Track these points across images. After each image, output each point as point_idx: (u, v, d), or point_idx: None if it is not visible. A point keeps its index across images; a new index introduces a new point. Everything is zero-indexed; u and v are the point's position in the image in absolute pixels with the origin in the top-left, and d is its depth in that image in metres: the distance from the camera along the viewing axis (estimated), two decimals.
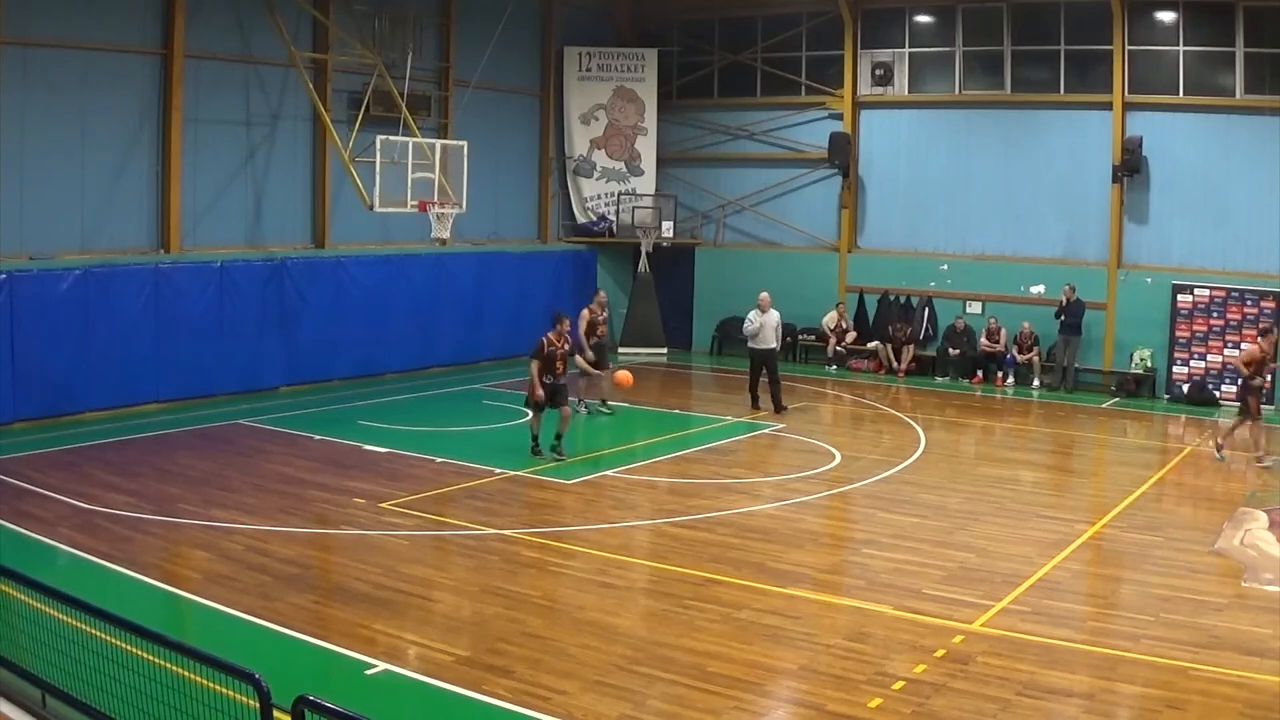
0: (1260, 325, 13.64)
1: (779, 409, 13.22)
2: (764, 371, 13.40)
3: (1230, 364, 13.95)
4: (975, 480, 10.78)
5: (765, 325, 13.23)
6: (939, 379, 16.90)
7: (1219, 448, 11.70)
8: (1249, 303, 15.20)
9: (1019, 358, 16.33)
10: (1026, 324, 16.27)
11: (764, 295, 13.54)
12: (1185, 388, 15.49)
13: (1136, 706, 5.63)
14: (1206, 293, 15.50)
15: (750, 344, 13.47)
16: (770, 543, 8.24)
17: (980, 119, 17.26)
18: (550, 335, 10.71)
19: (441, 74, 16.63)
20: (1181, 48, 15.70)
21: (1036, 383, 16.24)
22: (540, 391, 10.57)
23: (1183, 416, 14.70)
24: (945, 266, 17.49)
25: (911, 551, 8.10)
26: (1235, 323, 15.30)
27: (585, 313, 13.07)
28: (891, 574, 7.57)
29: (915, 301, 17.65)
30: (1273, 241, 14.94)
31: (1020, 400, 15.71)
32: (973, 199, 17.29)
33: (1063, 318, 15.85)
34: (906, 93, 17.78)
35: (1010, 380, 16.36)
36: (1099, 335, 16.26)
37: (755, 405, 13.45)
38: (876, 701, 5.50)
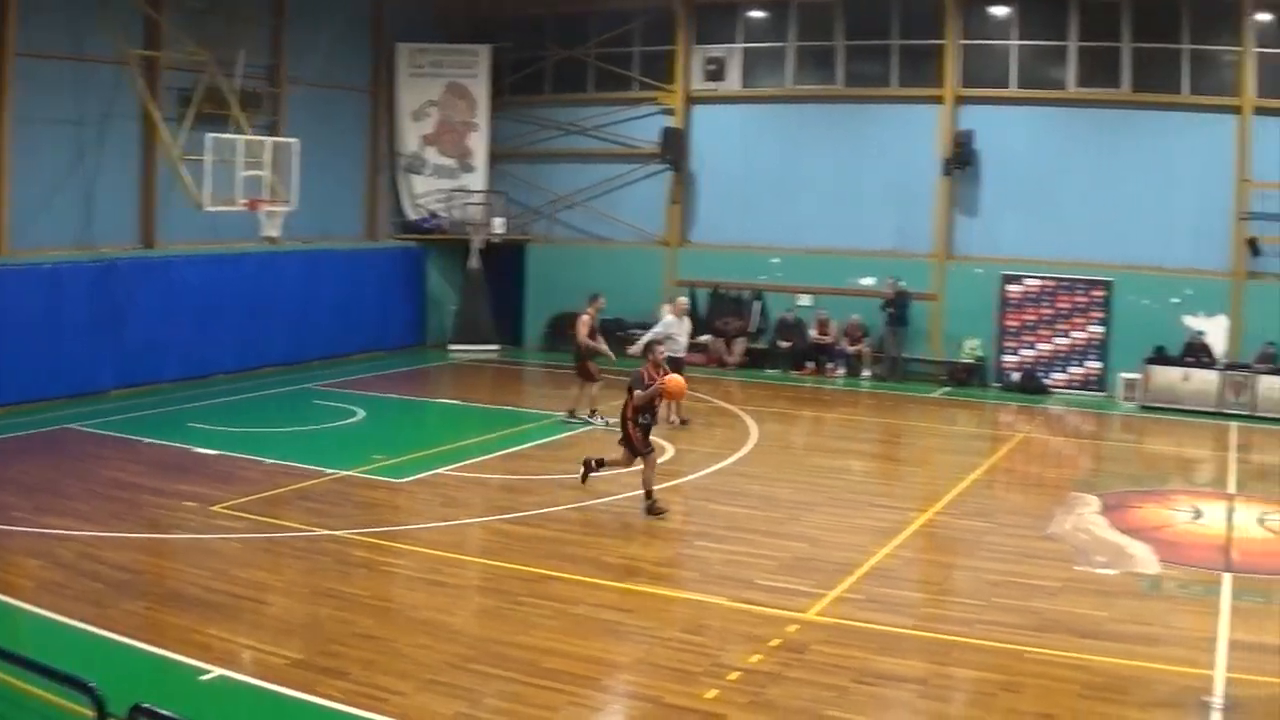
0: None
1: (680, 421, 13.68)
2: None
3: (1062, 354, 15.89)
4: (807, 471, 11.95)
5: (680, 331, 14.19)
6: (770, 371, 18.33)
7: None
8: (1078, 291, 17.48)
9: (849, 349, 18.13)
10: (856, 316, 18.11)
11: (682, 300, 14.95)
12: (1015, 376, 17.62)
13: (972, 690, 6.31)
14: (1036, 282, 17.66)
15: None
16: (604, 537, 8.95)
17: (812, 113, 19.07)
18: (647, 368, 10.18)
19: (273, 71, 17.64)
20: (1014, 42, 17.84)
21: (867, 373, 18.06)
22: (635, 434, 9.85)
23: (1013, 404, 16.73)
24: (776, 260, 19.19)
25: (745, 543, 8.87)
26: (1065, 311, 17.54)
27: (585, 317, 13.69)
28: (726, 565, 8.29)
29: (746, 295, 19.21)
30: (1102, 231, 17.28)
31: (850, 391, 17.42)
32: (804, 193, 18.99)
33: (890, 310, 17.76)
34: (739, 88, 19.54)
35: (841, 371, 18.14)
36: (929, 326, 18.16)
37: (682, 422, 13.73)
38: (713, 693, 6.01)
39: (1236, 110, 16.70)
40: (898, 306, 17.82)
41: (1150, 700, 6.26)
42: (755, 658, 6.49)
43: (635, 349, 12.97)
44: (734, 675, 6.25)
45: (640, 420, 9.79)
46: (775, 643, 6.74)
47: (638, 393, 9.81)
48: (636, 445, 9.71)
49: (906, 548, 9.03)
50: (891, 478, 12.40)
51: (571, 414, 13.68)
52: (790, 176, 19.07)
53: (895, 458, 13.61)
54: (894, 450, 13.98)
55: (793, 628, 7.03)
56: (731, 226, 19.40)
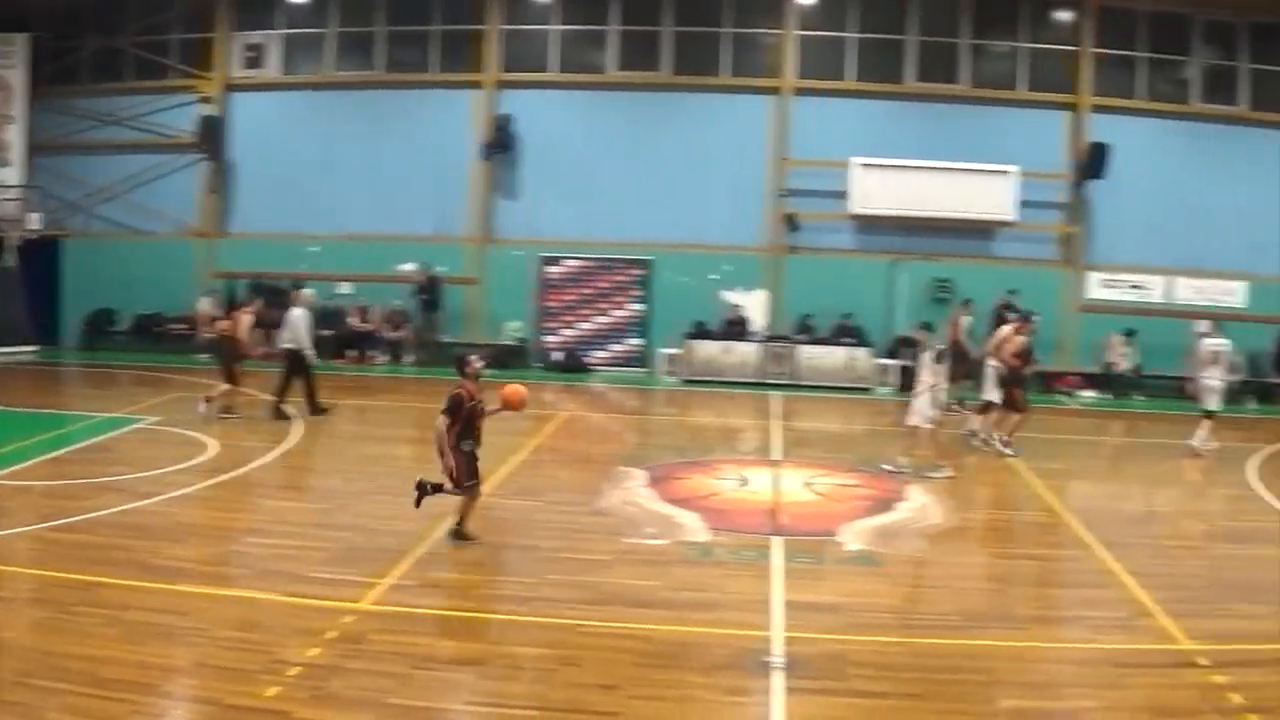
0: (1010, 316, 15.18)
1: (316, 410, 14.09)
2: (302, 374, 14.23)
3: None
4: (354, 459, 12.33)
5: (305, 324, 14.16)
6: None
7: (992, 440, 13.47)
8: (617, 270, 18.63)
9: (390, 336, 18.42)
10: (397, 302, 18.64)
11: (307, 292, 14.76)
12: (557, 356, 18.39)
13: (533, 667, 6.59)
14: (575, 263, 18.58)
15: (288, 345, 14.08)
16: (152, 539, 9.00)
17: (352, 100, 19.73)
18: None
19: None
20: (555, 26, 18.96)
21: (409, 359, 18.46)
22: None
23: (557, 384, 17.54)
24: (317, 248, 19.44)
25: (295, 536, 9.10)
26: (605, 291, 18.57)
27: (248, 317, 14.23)
28: (277, 560, 8.46)
29: (288, 285, 18.53)
30: (641, 211, 18.61)
31: (394, 378, 17.75)
32: (345, 180, 19.50)
33: (423, 296, 18.38)
34: (279, 75, 19.96)
35: (383, 359, 18.49)
36: (470, 309, 18.77)
37: (317, 410, 14.08)
38: (274, 690, 6.12)
39: (775, 91, 18.82)
40: (430, 292, 18.36)
41: (711, 664, 6.75)
42: (314, 651, 6.67)
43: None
44: (294, 671, 6.39)
45: (464, 446, 9.10)
46: (332, 635, 6.93)
47: (441, 420, 8.99)
48: (458, 476, 9.11)
49: None
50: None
51: (226, 409, 13.91)
52: (331, 164, 19.64)
53: None
54: None
55: (349, 618, 7.22)
56: (272, 216, 19.93)
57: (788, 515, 10.42)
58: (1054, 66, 19.50)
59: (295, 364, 13.98)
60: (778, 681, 6.69)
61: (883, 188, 18.44)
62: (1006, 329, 13.81)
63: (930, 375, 12.21)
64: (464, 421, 9.17)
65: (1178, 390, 18.50)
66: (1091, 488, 12.78)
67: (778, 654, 6.98)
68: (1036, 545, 10.58)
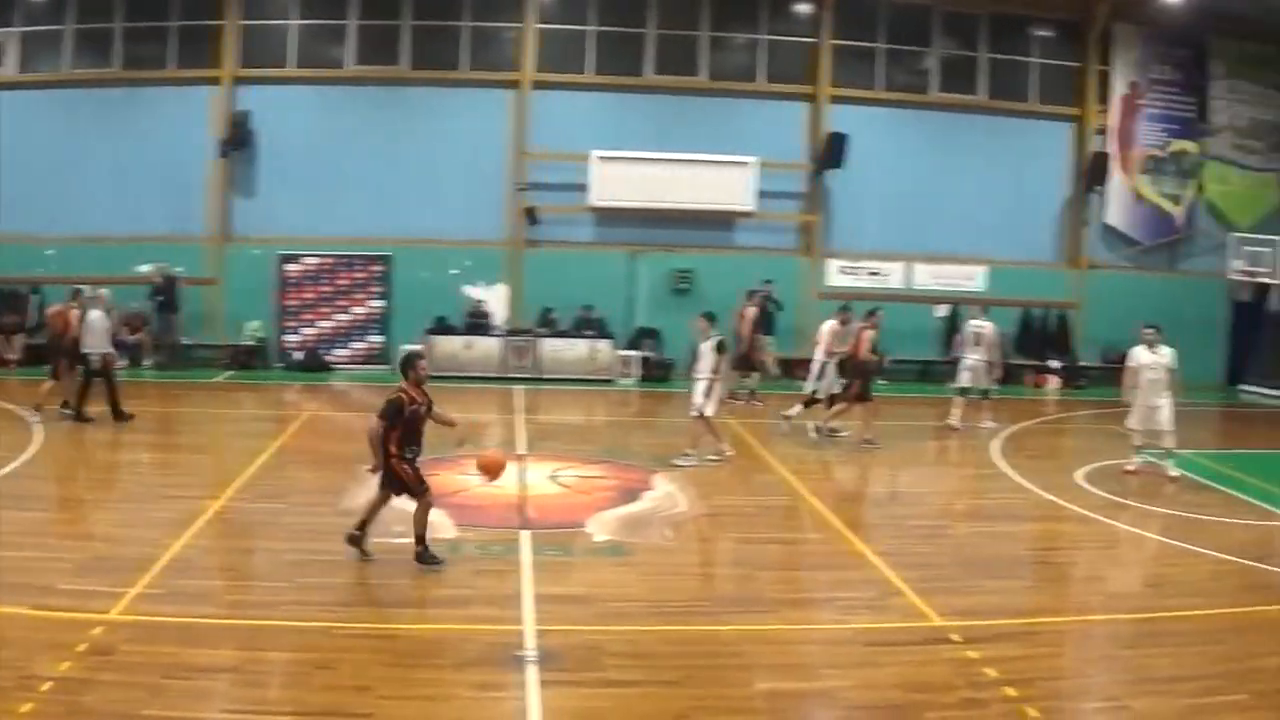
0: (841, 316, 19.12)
1: (120, 417, 17.27)
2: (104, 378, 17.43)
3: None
4: (97, 467, 15.17)
5: (103, 327, 17.32)
6: (49, 367, 21.19)
7: (819, 429, 17.89)
8: (357, 267, 23.38)
9: (129, 339, 22.07)
10: (135, 304, 22.34)
11: (103, 291, 17.77)
12: (298, 355, 22.90)
13: (288, 672, 8.19)
14: (315, 260, 23.22)
15: (86, 349, 17.28)
16: None
17: (90, 98, 23.40)
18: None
19: None
20: (293, 21, 23.36)
21: (148, 362, 22.47)
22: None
23: (298, 383, 21.83)
24: (52, 251, 23.07)
25: (39, 547, 10.78)
26: (345, 288, 23.26)
27: (77, 314, 17.61)
28: (21, 573, 9.92)
29: (23, 289, 22.90)
30: (382, 207, 23.24)
31: (134, 382, 20.60)
32: (83, 180, 23.23)
33: (160, 297, 22.37)
34: (15, 74, 23.27)
35: (123, 362, 21.39)
36: (209, 309, 23.08)
37: (121, 417, 17.34)
38: (28, 706, 7.28)
39: (515, 85, 23.87)
40: (168, 293, 22.50)
41: (464, 660, 8.55)
42: (64, 665, 7.94)
43: None
44: (46, 686, 7.59)
45: (407, 454, 10.77)
46: (82, 648, 8.26)
47: (376, 421, 10.62)
48: (410, 484, 10.79)
49: (203, 536, 11.47)
50: (182, 467, 15.46)
51: (64, 404, 17.35)
52: (68, 164, 23.28)
53: (184, 446, 17.24)
54: (182, 439, 17.79)
55: (98, 630, 8.61)
56: (5, 218, 23.00)
57: (535, 509, 13.06)
58: (793, 58, 25.24)
59: (93, 369, 17.30)
60: (532, 675, 8.34)
61: (622, 180, 23.77)
62: (858, 324, 18.48)
63: (711, 365, 15.85)
64: (405, 426, 10.71)
65: (919, 373, 24.66)
66: (837, 471, 16.94)
67: (531, 647, 8.82)
68: (784, 530, 13.60)
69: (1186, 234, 27.68)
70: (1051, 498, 15.31)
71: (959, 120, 25.96)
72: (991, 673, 9.11)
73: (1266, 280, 26.96)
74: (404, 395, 10.75)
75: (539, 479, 14.73)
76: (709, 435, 16.24)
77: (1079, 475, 16.66)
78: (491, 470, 11.46)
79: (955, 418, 19.60)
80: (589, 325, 23.81)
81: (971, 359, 19.93)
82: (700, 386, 15.96)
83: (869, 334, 18.20)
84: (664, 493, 14.40)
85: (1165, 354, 16.90)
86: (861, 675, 9.02)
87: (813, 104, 25.21)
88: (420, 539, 10.85)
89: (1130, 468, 16.88)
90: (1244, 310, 28.12)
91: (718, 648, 9.39)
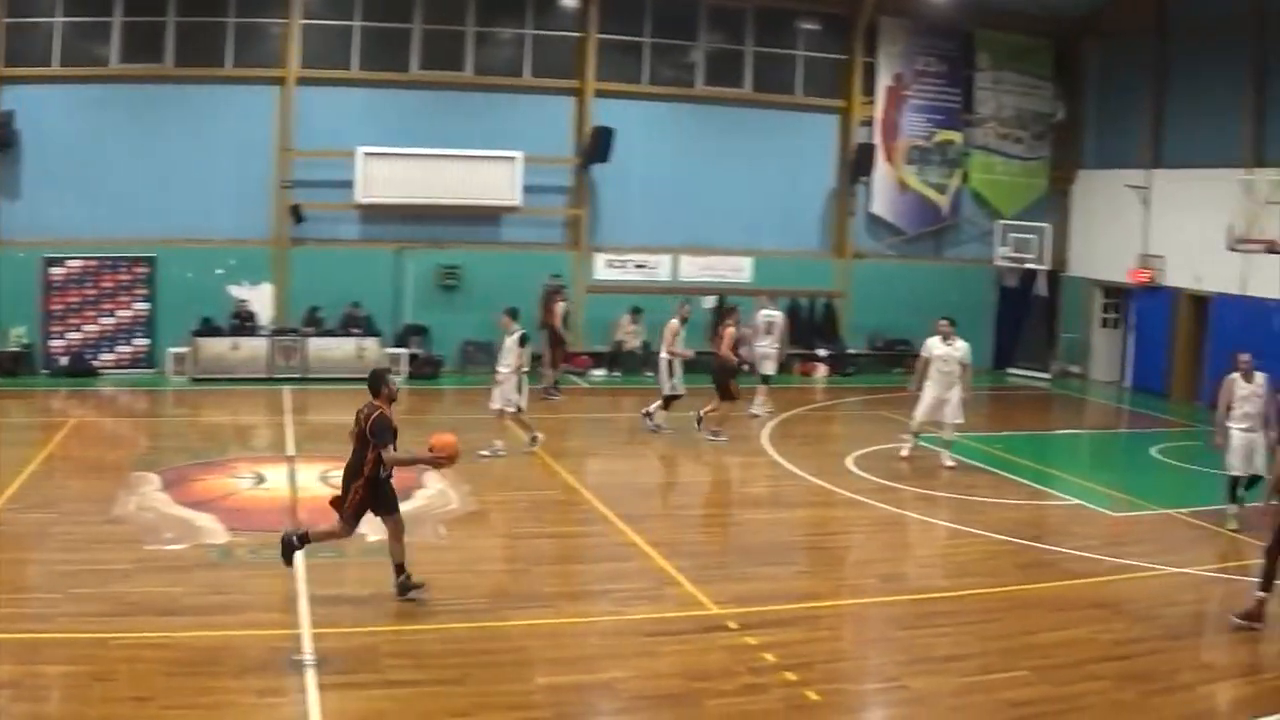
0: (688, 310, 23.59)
1: None
2: None
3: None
4: None
5: None
6: None
7: (699, 421, 21.75)
8: (122, 269, 27.05)
9: None
10: None
11: None
12: (63, 360, 26.46)
13: (65, 686, 9.13)
14: (79, 263, 26.76)
15: None
16: None
17: None
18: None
19: None
20: (57, 19, 26.47)
21: None
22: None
23: (64, 390, 25.21)
24: None
25: None
26: (110, 290, 26.93)
27: None
28: None
29: None
30: (146, 207, 26.73)
31: None
32: None
33: None
34: None
35: None
36: None
37: None
38: None
39: (280, 81, 27.85)
40: None
41: (243, 667, 9.64)
42: None
43: None
44: None
45: (383, 473, 12.12)
46: None
47: (391, 450, 12.00)
48: (356, 512, 12.15)
49: None
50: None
51: None
52: None
53: None
54: None
55: None
56: None
57: (307, 510, 14.71)
58: (559, 53, 29.87)
59: None
60: (311, 679, 9.46)
61: (389, 177, 28.10)
62: (728, 324, 22.74)
63: (515, 359, 19.40)
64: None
65: (688, 365, 29.59)
66: (609, 464, 20.15)
67: (309, 651, 10.05)
68: (558, 524, 16.09)
69: (952, 222, 33.58)
70: (823, 483, 18.61)
71: (726, 113, 31.16)
72: (770, 658, 10.99)
73: (1031, 266, 33.00)
74: (385, 412, 12.06)
75: (310, 480, 17.25)
76: (518, 428, 20.13)
77: (849, 461, 20.27)
78: (447, 451, 12.46)
79: (758, 405, 24.60)
80: (356, 323, 28.06)
81: (761, 347, 25.01)
82: (510, 382, 19.66)
83: (730, 331, 22.52)
84: (436, 490, 16.91)
85: (960, 347, 20.18)
86: (641, 665, 10.82)
87: (579, 98, 29.90)
88: (401, 569, 12.35)
89: (904, 453, 20.54)
90: (1010, 295, 34.20)
91: (496, 644, 11.10)
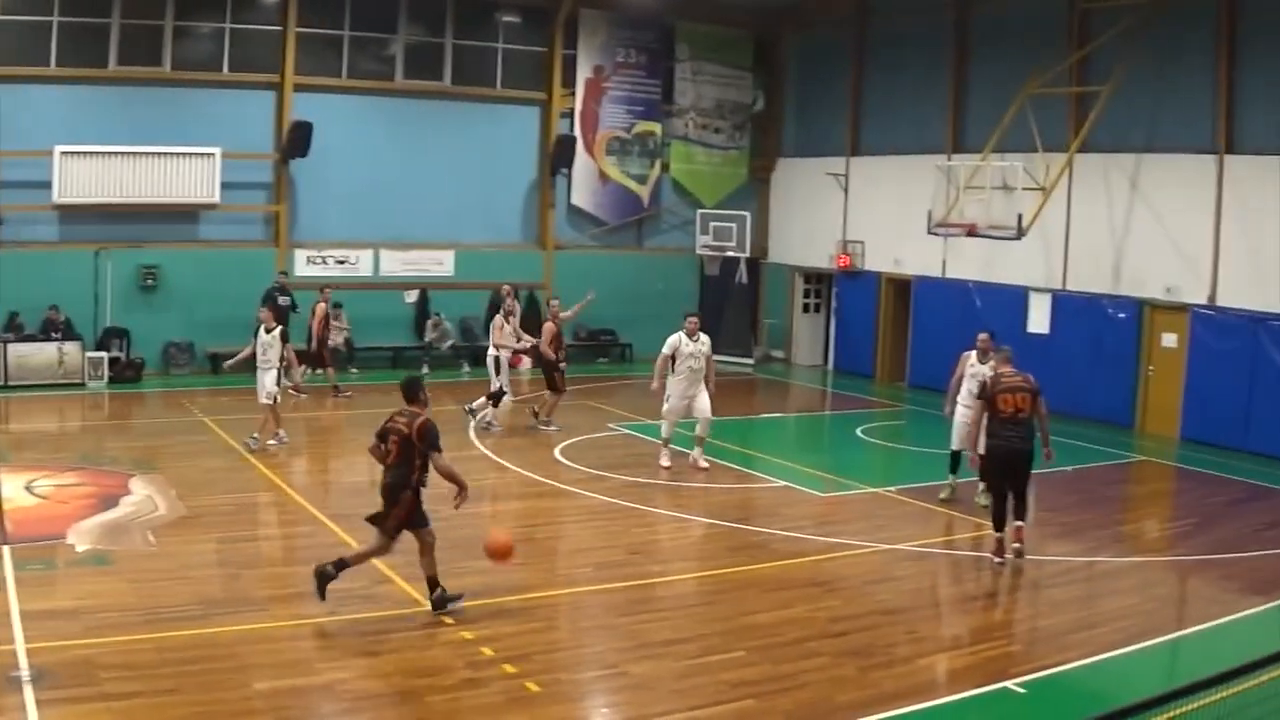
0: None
1: None
2: None
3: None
4: None
5: None
6: None
7: (536, 416, 26.74)
8: None
9: None
10: None
11: None
12: None
13: None
14: None
15: None
16: None
17: None
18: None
19: None
20: None
21: None
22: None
23: None
24: None
25: None
26: None
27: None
28: None
29: None
30: None
31: None
32: None
33: None
34: None
35: None
36: None
37: None
38: None
39: None
40: None
41: None
42: None
43: None
44: None
45: (423, 483, 14.43)
46: None
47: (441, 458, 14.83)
48: (400, 522, 14.67)
49: None
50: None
51: None
52: None
53: None
54: None
55: None
56: None
57: (12, 522, 16.18)
58: (260, 47, 36.45)
59: None
60: (29, 695, 10.70)
61: (88, 176, 34.00)
62: (548, 323, 28.09)
63: (277, 354, 24.39)
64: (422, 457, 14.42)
65: (391, 360, 36.45)
66: (317, 464, 23.54)
67: (24, 667, 11.38)
68: (268, 526, 18.37)
69: (653, 212, 42.21)
70: (533, 475, 21.99)
71: (426, 106, 38.59)
72: (489, 651, 12.68)
73: (733, 254, 41.54)
74: (429, 418, 14.57)
75: (15, 490, 18.98)
76: (272, 421, 24.82)
77: (558, 451, 24.17)
78: (502, 553, 14.90)
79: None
80: (55, 327, 33.61)
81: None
82: (270, 375, 24.56)
83: (549, 327, 27.67)
84: (142, 496, 19.14)
85: (705, 341, 23.28)
86: (361, 665, 12.43)
87: (279, 93, 36.55)
88: (435, 582, 14.76)
89: (665, 464, 23.72)
90: (712, 284, 42.76)
91: (213, 651, 12.53)
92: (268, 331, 25.40)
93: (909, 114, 39.09)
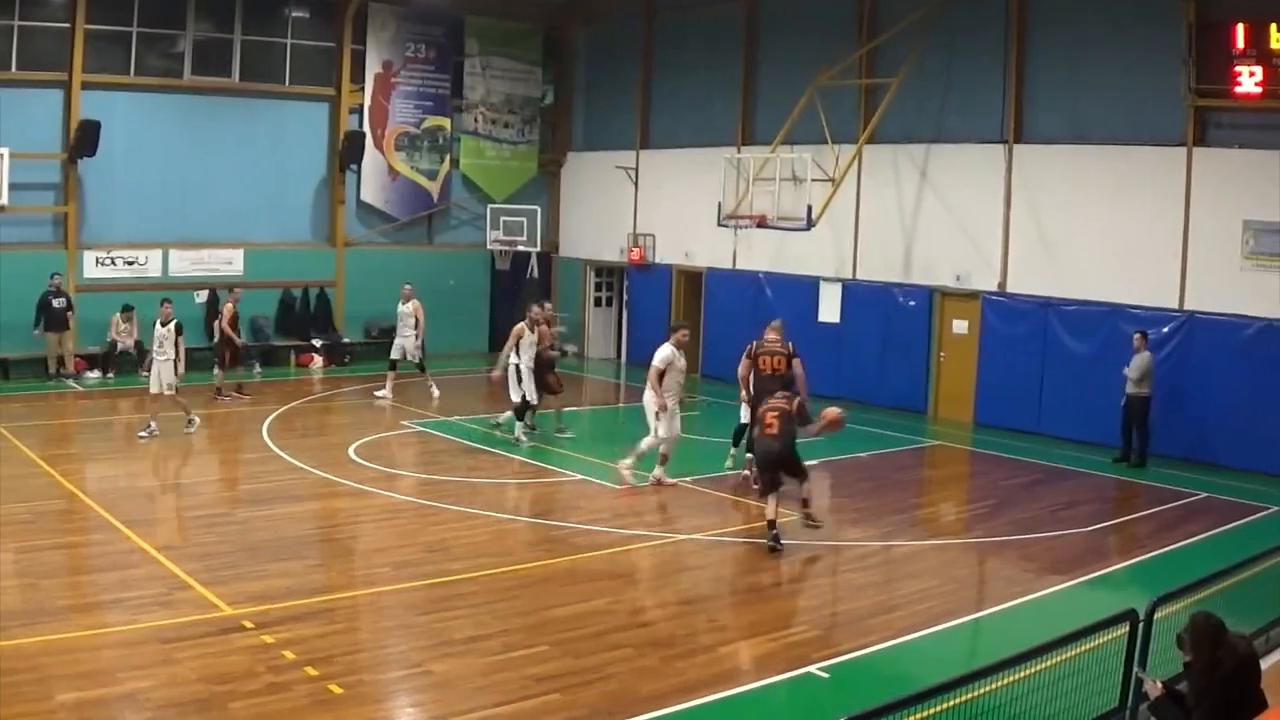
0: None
1: None
2: None
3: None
4: None
5: None
6: None
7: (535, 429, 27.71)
8: None
9: None
10: None
11: None
12: None
13: None
14: None
15: None
16: None
17: None
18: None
19: None
20: None
21: None
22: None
23: None
24: None
25: None
26: None
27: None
28: None
29: None
30: None
31: None
32: None
33: None
34: None
35: None
36: None
37: None
38: None
39: None
40: None
41: None
42: None
43: None
44: None
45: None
46: None
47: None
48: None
49: None
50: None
51: None
52: None
53: None
54: None
55: None
56: None
57: None
58: (48, 44, 37.23)
59: None
60: None
61: None
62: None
63: (169, 346, 26.73)
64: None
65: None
66: (109, 469, 23.10)
67: None
68: (61, 534, 18.26)
69: (444, 207, 43.88)
70: (327, 475, 22.49)
71: (215, 103, 39.65)
72: (290, 655, 12.80)
73: (523, 249, 43.61)
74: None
75: None
76: (178, 409, 26.71)
77: (351, 450, 24.72)
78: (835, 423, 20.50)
79: (386, 390, 33.04)
80: None
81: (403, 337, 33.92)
82: (167, 367, 26.72)
83: (544, 330, 28.89)
84: None
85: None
86: (162, 674, 12.50)
87: (67, 91, 37.37)
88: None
89: (671, 481, 23.83)
90: (504, 278, 44.72)
91: (11, 664, 12.46)
92: (163, 325, 27.24)
93: (699, 107, 41.27)
